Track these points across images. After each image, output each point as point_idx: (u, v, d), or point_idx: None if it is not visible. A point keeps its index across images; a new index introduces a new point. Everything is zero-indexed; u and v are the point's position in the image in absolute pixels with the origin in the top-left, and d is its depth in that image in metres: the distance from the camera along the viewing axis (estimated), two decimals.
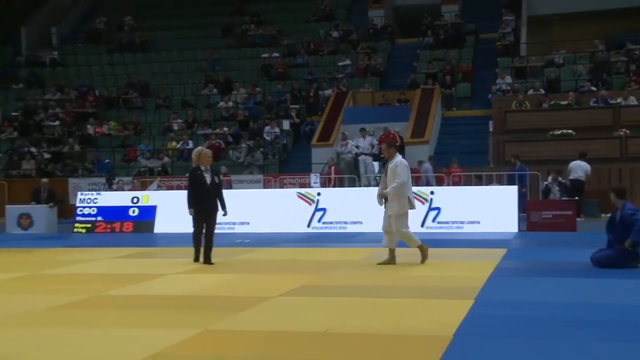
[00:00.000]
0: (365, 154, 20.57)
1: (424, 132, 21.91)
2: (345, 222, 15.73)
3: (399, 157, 10.08)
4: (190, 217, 10.61)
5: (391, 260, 10.09)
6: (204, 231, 10.52)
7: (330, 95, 24.54)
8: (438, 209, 15.44)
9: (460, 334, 5.90)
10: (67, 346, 5.81)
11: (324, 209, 15.92)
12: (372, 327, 6.23)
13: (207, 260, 10.45)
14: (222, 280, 9.16)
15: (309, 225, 15.84)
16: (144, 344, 5.77)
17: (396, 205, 9.89)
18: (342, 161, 21.30)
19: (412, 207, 10.11)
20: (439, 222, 15.36)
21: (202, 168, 10.59)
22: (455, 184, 18.02)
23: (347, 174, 20.11)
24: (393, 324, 6.36)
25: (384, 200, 10.03)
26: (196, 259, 10.62)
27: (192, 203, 10.45)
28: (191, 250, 10.75)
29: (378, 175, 20.38)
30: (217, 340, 5.97)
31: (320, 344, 5.78)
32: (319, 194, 16.19)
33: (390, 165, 9.96)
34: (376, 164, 20.72)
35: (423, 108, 22.85)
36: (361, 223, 15.60)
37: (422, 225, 15.32)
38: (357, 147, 20.83)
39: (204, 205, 10.45)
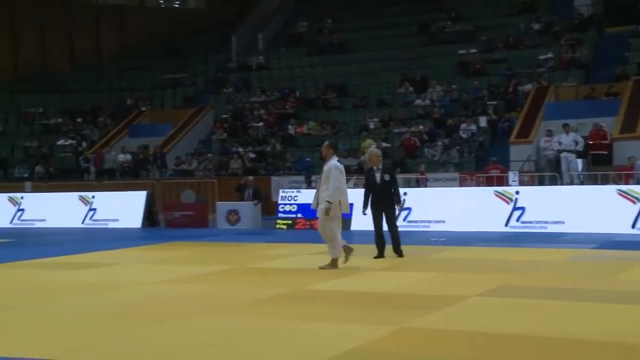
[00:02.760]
0: (568, 151, 19.52)
1: (636, 126, 20.34)
2: (546, 222, 15.04)
3: (333, 160, 9.81)
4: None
5: (339, 259, 9.94)
6: (385, 229, 10.90)
7: (530, 90, 23.59)
8: None
9: None
10: (268, 337, 6.09)
11: (522, 208, 15.33)
12: (572, 332, 5.91)
13: (397, 253, 10.90)
14: (419, 279, 9.14)
15: (506, 225, 15.34)
16: (341, 338, 5.91)
17: (324, 206, 9.68)
18: (544, 158, 20.39)
19: (345, 210, 9.92)
20: None
21: (374, 168, 10.93)
22: None
23: (547, 171, 19.21)
24: (596, 329, 5.99)
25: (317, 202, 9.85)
26: (378, 256, 10.85)
27: (365, 204, 10.93)
28: (388, 248, 10.97)
29: (581, 173, 19.26)
30: (413, 338, 5.96)
31: (519, 346, 5.57)
32: (517, 192, 15.63)
33: (325, 168, 9.84)
34: (579, 162, 19.60)
35: (635, 101, 21.23)
36: (563, 223, 14.85)
37: (633, 227, 14.25)
38: (560, 143, 19.82)
39: (376, 204, 10.80)
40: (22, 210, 20.32)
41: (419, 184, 19.64)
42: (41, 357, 5.49)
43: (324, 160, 10.77)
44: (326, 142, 10.36)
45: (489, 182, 18.31)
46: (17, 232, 18.31)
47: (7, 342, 6.07)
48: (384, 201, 10.82)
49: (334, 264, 9.95)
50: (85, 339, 6.12)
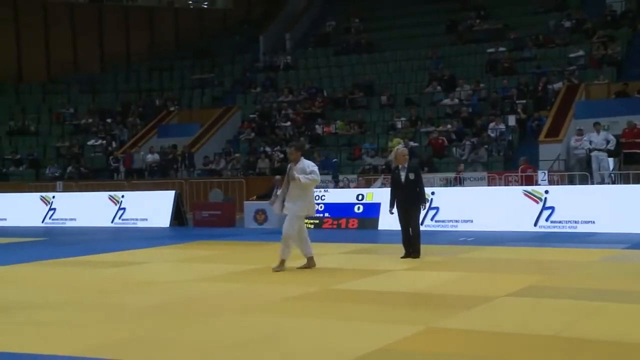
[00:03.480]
0: (599, 150, 19.28)
1: None
2: (576, 222, 14.86)
3: (307, 160, 9.89)
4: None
5: (310, 263, 9.95)
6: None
7: (560, 88, 23.34)
8: None
9: None
10: (298, 335, 6.12)
11: (552, 208, 15.18)
12: (603, 333, 5.84)
13: (414, 253, 10.77)
14: (446, 278, 9.09)
15: (535, 224, 15.20)
16: (369, 337, 5.91)
17: (298, 205, 9.67)
18: (574, 157, 20.18)
19: (312, 213, 10.00)
20: None
21: (400, 167, 10.93)
22: None
23: (578, 171, 19.00)
24: (626, 331, 5.91)
25: (282, 206, 9.78)
26: (405, 256, 10.82)
27: (391, 202, 10.94)
28: (423, 248, 10.97)
29: (612, 172, 19.00)
30: (440, 338, 5.94)
31: (549, 348, 5.52)
32: (546, 191, 15.48)
33: (300, 166, 9.73)
34: (611, 160, 19.33)
35: None
36: (593, 223, 14.66)
37: None
38: (590, 142, 19.58)
39: (401, 203, 10.81)
40: (54, 209, 20.62)
41: (458, 182, 19.55)
42: (76, 355, 5.57)
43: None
44: (292, 147, 10.19)
45: (520, 182, 18.17)
46: (48, 231, 18.59)
47: (46, 339, 6.17)
48: (408, 200, 10.81)
49: (282, 265, 9.86)
50: (121, 335, 6.19)
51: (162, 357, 5.58)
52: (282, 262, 9.85)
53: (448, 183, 19.40)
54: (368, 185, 20.30)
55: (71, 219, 20.17)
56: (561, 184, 17.76)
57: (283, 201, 9.86)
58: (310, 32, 33.62)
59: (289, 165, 10.08)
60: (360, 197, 17.44)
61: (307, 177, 9.70)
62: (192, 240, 15.16)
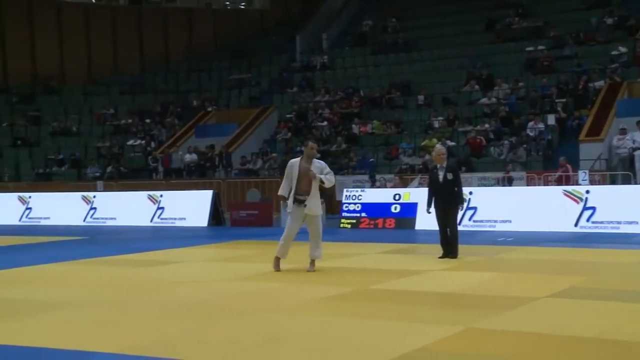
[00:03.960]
0: None
1: None
2: (619, 222, 14.59)
3: (317, 160, 9.83)
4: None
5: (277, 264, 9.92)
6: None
7: (602, 87, 22.92)
8: None
9: None
10: (334, 335, 6.11)
11: (593, 208, 14.92)
12: None
13: (451, 253, 10.69)
14: (485, 279, 9.00)
15: (576, 225, 14.96)
16: (408, 338, 5.88)
17: (319, 205, 9.75)
18: (616, 157, 19.81)
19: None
20: None
21: (438, 166, 10.90)
22: None
23: (620, 170, 18.64)
24: None
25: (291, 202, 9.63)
26: (443, 256, 10.75)
27: (429, 202, 10.91)
28: (462, 247, 10.90)
29: None
30: (481, 339, 5.88)
31: (590, 350, 5.42)
32: (587, 191, 15.22)
33: (317, 165, 9.68)
34: None
35: None
36: (637, 223, 14.38)
37: None
38: (634, 141, 19.20)
39: (439, 203, 10.76)
40: (95, 208, 20.93)
41: (508, 182, 19.36)
42: (116, 352, 5.64)
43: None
44: (316, 143, 10.21)
45: (559, 182, 17.91)
46: (89, 230, 18.88)
47: (82, 337, 6.27)
48: (446, 200, 10.74)
49: (313, 264, 9.92)
50: (155, 333, 6.26)
51: (197, 354, 5.62)
52: (313, 261, 9.92)
53: (498, 183, 19.22)
54: (405, 185, 20.19)
55: (111, 218, 20.47)
56: (602, 184, 17.46)
57: (295, 198, 9.72)
58: (347, 31, 33.56)
59: (295, 161, 10.04)
60: (397, 197, 17.36)
61: (327, 178, 9.76)
62: (230, 239, 15.26)
